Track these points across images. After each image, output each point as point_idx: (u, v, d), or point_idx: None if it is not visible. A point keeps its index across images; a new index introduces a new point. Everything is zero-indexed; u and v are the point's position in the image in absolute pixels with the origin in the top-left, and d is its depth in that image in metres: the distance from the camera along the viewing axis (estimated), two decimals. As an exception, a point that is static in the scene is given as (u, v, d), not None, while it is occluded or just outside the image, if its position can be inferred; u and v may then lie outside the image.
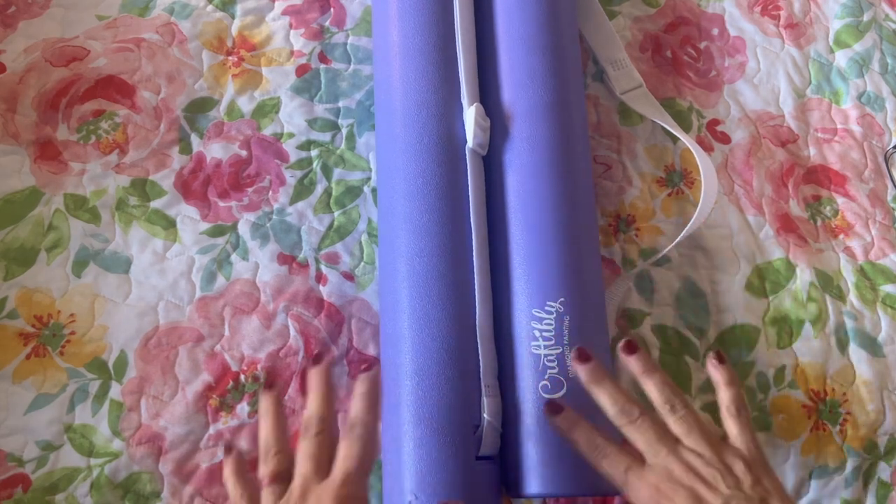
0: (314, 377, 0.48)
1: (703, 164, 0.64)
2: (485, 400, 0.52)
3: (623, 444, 0.48)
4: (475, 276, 0.54)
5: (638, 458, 0.47)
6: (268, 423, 0.48)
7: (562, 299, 0.54)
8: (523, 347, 0.54)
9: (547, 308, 0.54)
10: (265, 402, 0.48)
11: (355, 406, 0.45)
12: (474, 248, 0.55)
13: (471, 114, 0.57)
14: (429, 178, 0.56)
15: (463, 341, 0.53)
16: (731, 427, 0.48)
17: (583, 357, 0.49)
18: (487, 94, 0.61)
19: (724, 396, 0.49)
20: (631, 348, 0.50)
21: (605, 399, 0.48)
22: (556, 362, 0.52)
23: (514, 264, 0.55)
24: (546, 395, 0.52)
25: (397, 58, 0.60)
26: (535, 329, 0.53)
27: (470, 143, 0.57)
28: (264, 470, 0.45)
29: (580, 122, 0.60)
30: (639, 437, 0.47)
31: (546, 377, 0.52)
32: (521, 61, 0.59)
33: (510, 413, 0.53)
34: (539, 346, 0.53)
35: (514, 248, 0.56)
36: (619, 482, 0.46)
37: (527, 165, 0.57)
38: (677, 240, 0.62)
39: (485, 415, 0.51)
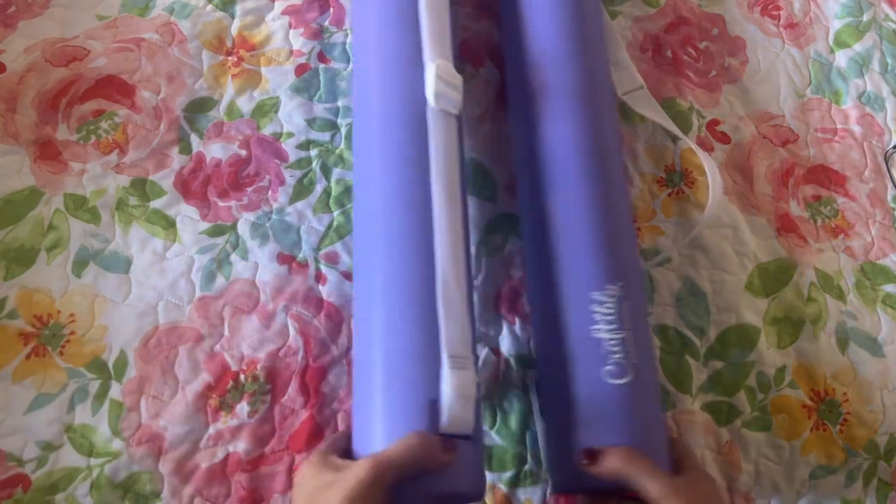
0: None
1: (708, 166, 0.64)
2: (446, 372, 0.46)
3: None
4: (437, 239, 0.50)
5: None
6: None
7: (621, 283, 0.52)
8: (580, 331, 0.51)
9: (607, 291, 0.52)
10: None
11: None
12: (436, 209, 0.51)
13: (431, 71, 0.54)
14: (394, 141, 0.53)
15: (430, 310, 0.48)
16: None
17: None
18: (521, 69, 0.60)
19: None
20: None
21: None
22: (619, 347, 0.51)
23: (568, 245, 0.54)
24: (611, 381, 0.50)
25: (373, 25, 0.59)
26: (596, 312, 0.51)
27: (431, 102, 0.54)
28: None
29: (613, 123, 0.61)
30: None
31: (610, 362, 0.50)
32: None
33: (564, 398, 0.50)
34: (599, 330, 0.51)
35: (570, 228, 0.54)
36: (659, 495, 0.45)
37: (583, 147, 0.56)
38: (692, 233, 0.62)
39: (444, 387, 0.46)
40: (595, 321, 0.51)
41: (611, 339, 0.51)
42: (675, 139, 0.70)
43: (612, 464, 0.46)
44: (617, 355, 0.51)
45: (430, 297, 0.48)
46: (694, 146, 0.66)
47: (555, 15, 0.61)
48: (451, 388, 0.46)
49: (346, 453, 0.48)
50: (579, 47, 0.60)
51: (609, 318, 0.51)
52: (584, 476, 0.48)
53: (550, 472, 0.53)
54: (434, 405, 0.46)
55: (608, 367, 0.50)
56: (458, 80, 0.55)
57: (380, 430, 0.46)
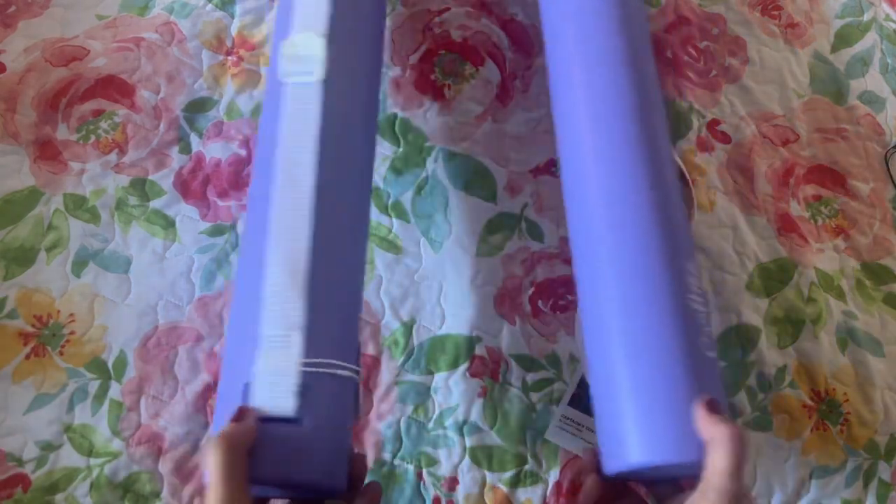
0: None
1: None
2: (260, 354, 0.44)
3: None
4: (270, 214, 0.48)
5: None
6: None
7: (694, 261, 0.51)
8: (679, 299, 0.48)
9: (693, 262, 0.50)
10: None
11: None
12: (277, 184, 0.48)
13: (282, 47, 0.53)
14: (272, 118, 0.52)
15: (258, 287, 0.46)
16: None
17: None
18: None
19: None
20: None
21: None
22: (706, 319, 0.48)
23: (659, 215, 0.51)
24: (709, 353, 0.47)
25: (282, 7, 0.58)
26: (693, 283, 0.49)
27: (280, 77, 0.52)
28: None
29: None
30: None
31: (704, 333, 0.47)
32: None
33: (665, 367, 0.46)
34: (694, 301, 0.48)
35: (658, 201, 0.51)
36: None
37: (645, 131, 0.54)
38: None
39: (253, 369, 0.44)
40: (691, 290, 0.49)
41: (701, 311, 0.48)
42: (674, 140, 0.70)
43: (726, 430, 0.41)
44: (706, 327, 0.48)
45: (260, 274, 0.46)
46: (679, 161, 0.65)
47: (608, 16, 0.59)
48: (261, 371, 0.44)
49: None
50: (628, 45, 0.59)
51: (699, 289, 0.49)
52: (664, 449, 0.44)
53: (613, 451, 0.47)
54: (247, 387, 0.43)
55: (703, 339, 0.47)
56: (314, 45, 0.52)
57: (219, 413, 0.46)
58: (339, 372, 0.46)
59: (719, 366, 0.49)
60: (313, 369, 0.44)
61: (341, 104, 0.52)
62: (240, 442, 0.40)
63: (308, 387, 0.44)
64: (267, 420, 0.42)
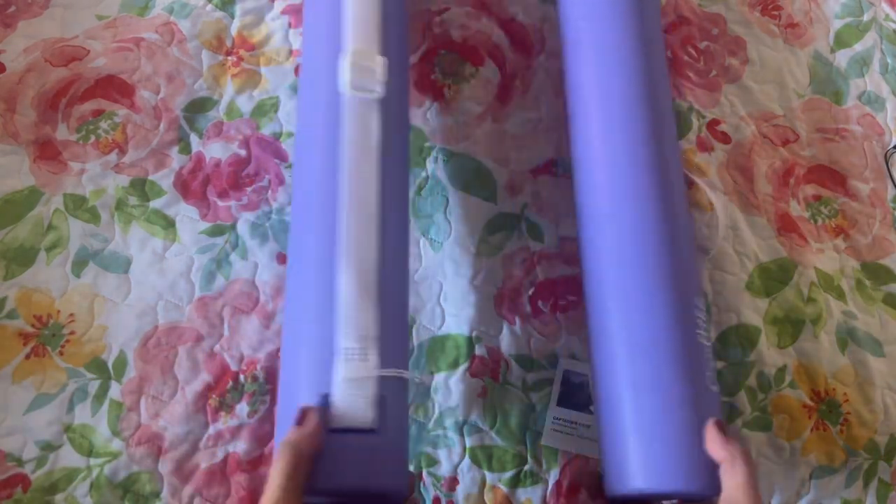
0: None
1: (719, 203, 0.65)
2: (337, 364, 0.46)
3: None
4: (340, 229, 0.49)
5: None
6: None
7: (700, 296, 0.53)
8: (689, 335, 0.50)
9: (700, 298, 0.52)
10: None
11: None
12: (345, 199, 0.50)
13: (345, 61, 0.54)
14: (316, 130, 0.54)
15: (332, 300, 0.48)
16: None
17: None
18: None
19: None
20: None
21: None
22: (711, 354, 0.51)
23: (668, 249, 0.52)
24: (713, 388, 0.50)
25: (310, 18, 0.60)
26: (699, 318, 0.51)
27: (342, 89, 0.53)
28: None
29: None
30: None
31: (709, 369, 0.50)
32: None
33: (672, 400, 0.49)
34: (701, 335, 0.50)
35: (667, 235, 0.53)
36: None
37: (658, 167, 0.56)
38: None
39: (335, 379, 0.45)
40: (698, 326, 0.51)
41: (707, 345, 0.51)
42: (675, 139, 0.70)
43: (738, 448, 0.45)
44: (711, 362, 0.51)
45: (332, 287, 0.48)
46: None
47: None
48: (341, 380, 0.45)
49: None
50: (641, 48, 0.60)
51: (704, 324, 0.52)
52: (664, 478, 0.47)
53: (617, 475, 0.50)
54: (325, 398, 0.45)
55: (708, 374, 0.50)
56: (377, 64, 0.54)
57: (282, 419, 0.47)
58: (405, 378, 0.48)
59: (720, 398, 0.51)
60: (388, 377, 0.47)
61: (390, 120, 0.55)
62: (305, 450, 0.42)
63: (383, 398, 0.46)
64: (345, 431, 0.44)
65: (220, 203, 0.63)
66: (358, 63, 0.54)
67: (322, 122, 0.54)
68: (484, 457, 0.58)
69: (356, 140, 0.52)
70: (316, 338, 0.47)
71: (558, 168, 0.68)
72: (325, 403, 0.45)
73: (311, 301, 0.49)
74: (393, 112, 0.57)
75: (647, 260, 0.53)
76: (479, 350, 0.61)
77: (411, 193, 0.65)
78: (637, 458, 0.49)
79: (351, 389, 0.45)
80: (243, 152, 0.65)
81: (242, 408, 0.57)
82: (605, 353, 0.54)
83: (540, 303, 0.63)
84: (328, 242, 0.49)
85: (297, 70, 0.69)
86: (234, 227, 0.63)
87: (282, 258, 0.62)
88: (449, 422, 0.59)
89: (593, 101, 0.59)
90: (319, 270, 0.49)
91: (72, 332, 0.58)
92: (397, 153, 0.55)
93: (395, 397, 0.48)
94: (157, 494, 0.54)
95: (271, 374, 0.58)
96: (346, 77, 0.53)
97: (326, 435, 0.44)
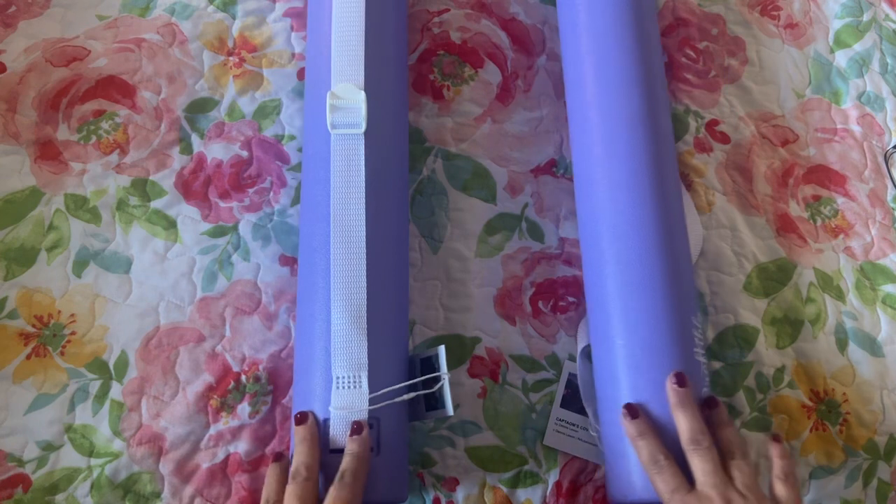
0: (301, 431, 0.50)
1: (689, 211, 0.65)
2: (335, 392, 0.50)
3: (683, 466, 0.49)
4: (331, 262, 0.53)
5: (686, 484, 0.48)
6: (304, 450, 0.49)
7: (697, 313, 0.55)
8: (686, 353, 0.52)
9: (698, 317, 0.54)
10: (304, 431, 0.50)
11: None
12: (334, 234, 0.53)
13: (328, 98, 0.56)
14: (314, 163, 0.57)
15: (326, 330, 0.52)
16: (780, 489, 0.49)
17: (681, 382, 0.50)
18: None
19: (777, 465, 0.51)
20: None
21: (683, 422, 0.49)
22: (707, 371, 0.53)
23: (667, 266, 0.54)
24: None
25: (313, 48, 0.62)
26: (697, 336, 0.53)
27: (327, 124, 0.56)
28: (292, 490, 0.47)
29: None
30: (698, 464, 0.48)
31: (704, 386, 0.52)
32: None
33: (667, 409, 0.51)
34: (699, 354, 0.53)
35: (669, 252, 0.55)
36: (664, 499, 0.47)
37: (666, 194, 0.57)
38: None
39: (330, 408, 0.50)
40: (696, 345, 0.53)
41: (703, 362, 0.53)
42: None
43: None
44: (705, 377, 0.53)
45: (327, 316, 0.52)
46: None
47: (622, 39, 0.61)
48: (335, 406, 0.50)
49: None
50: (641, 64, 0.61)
51: (701, 342, 0.53)
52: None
53: (620, 486, 0.52)
54: (325, 423, 0.50)
55: (703, 390, 0.52)
56: (356, 99, 0.56)
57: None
58: (401, 397, 0.52)
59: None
60: (380, 403, 0.50)
61: (379, 150, 0.57)
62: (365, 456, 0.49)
63: (377, 420, 0.50)
64: (342, 452, 0.48)
65: (222, 204, 0.63)
66: (337, 104, 0.56)
67: (313, 153, 0.57)
68: (484, 457, 0.58)
69: (342, 174, 0.55)
70: (312, 363, 0.53)
71: (558, 168, 0.68)
72: (324, 427, 0.50)
73: (304, 328, 0.54)
74: (393, 112, 0.58)
75: (648, 260, 0.54)
76: (478, 350, 0.61)
77: (411, 194, 0.65)
78: (640, 469, 0.50)
79: (345, 415, 0.49)
80: (245, 153, 0.65)
81: (244, 408, 0.57)
82: (605, 354, 0.54)
83: (540, 303, 0.63)
84: (316, 275, 0.54)
85: (300, 74, 0.69)
86: (236, 228, 0.63)
87: (284, 260, 0.62)
88: (449, 422, 0.59)
89: (593, 102, 0.60)
90: (314, 297, 0.54)
91: (73, 333, 0.58)
92: (393, 178, 0.58)
93: (393, 416, 0.51)
94: (157, 495, 0.55)
95: (273, 375, 0.58)
96: (328, 117, 0.55)
97: (326, 456, 0.49)
